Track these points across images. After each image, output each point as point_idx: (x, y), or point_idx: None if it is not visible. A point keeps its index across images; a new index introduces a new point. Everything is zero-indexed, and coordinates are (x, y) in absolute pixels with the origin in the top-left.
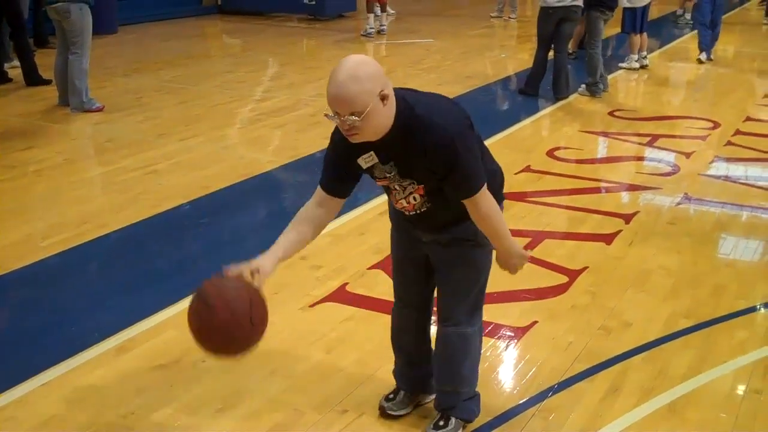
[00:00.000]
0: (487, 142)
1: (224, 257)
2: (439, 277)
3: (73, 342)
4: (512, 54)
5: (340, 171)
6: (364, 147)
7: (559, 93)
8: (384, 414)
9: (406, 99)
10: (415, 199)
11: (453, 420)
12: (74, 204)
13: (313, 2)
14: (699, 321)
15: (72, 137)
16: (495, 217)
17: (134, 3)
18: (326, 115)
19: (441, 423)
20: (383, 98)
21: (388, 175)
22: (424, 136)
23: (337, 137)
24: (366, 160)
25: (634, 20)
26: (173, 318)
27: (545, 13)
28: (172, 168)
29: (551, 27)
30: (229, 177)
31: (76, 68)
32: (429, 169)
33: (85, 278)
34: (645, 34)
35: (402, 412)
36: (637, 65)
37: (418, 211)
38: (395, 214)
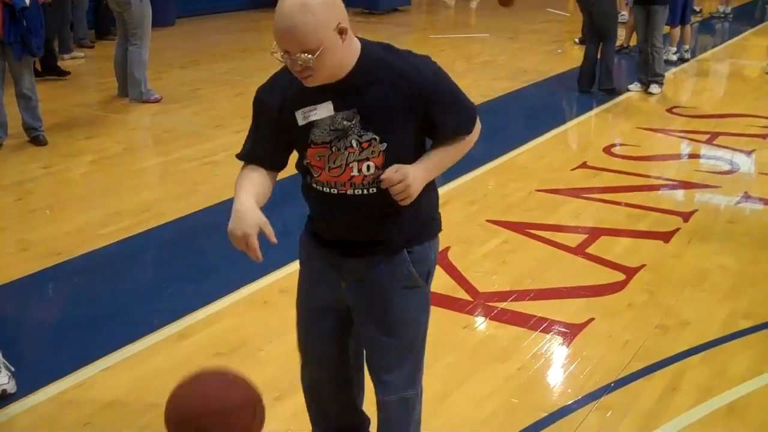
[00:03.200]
0: (542, 138)
1: (280, 248)
2: (368, 331)
3: (134, 328)
4: (568, 49)
5: (269, 135)
6: (316, 94)
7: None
8: None
9: (376, 42)
10: (368, 169)
11: None
12: (133, 193)
13: None
14: (759, 322)
15: (131, 127)
16: (468, 148)
17: None
18: (272, 53)
19: None
20: (341, 32)
21: (347, 125)
22: (403, 67)
23: (265, 88)
24: (308, 114)
25: (675, 11)
26: (231, 307)
27: None
28: (229, 159)
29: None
30: (287, 169)
31: (135, 59)
32: (410, 110)
33: (143, 266)
34: (688, 27)
35: None
36: (674, 57)
37: (362, 191)
38: (311, 247)
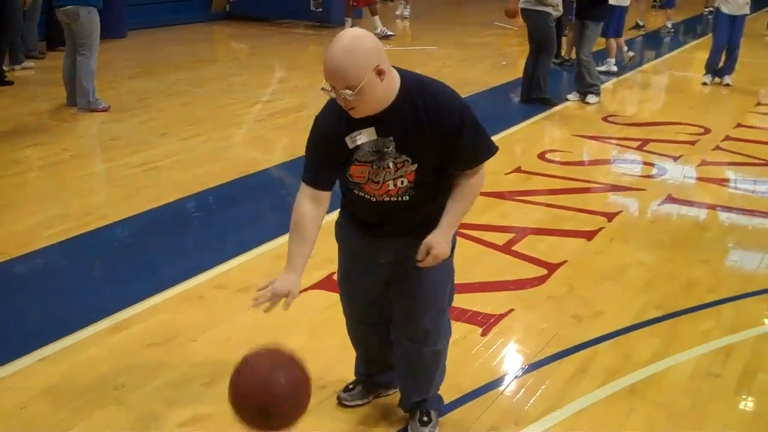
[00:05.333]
0: None
1: (216, 248)
2: (405, 291)
3: (71, 322)
4: (513, 61)
5: (323, 157)
6: (362, 122)
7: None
8: (340, 404)
9: (413, 74)
10: (402, 183)
11: (432, 412)
12: (78, 197)
13: (320, 9)
14: (668, 312)
15: (78, 135)
16: (478, 193)
17: (143, 9)
18: (323, 88)
19: (425, 419)
20: (379, 73)
21: (385, 150)
22: (435, 102)
23: (321, 118)
24: (355, 139)
25: (619, 22)
26: (166, 302)
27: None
28: (173, 165)
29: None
30: (228, 174)
31: (83, 69)
32: (434, 138)
33: (84, 265)
34: (621, 40)
35: (358, 403)
36: (615, 68)
37: (399, 198)
38: (353, 231)
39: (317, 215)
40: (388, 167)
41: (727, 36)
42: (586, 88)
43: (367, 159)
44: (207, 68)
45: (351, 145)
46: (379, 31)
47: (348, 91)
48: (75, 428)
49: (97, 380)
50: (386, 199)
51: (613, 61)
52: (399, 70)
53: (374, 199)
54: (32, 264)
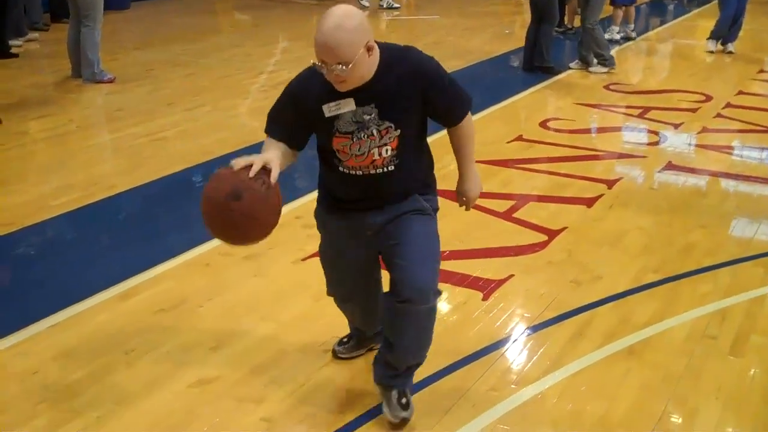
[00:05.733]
0: (482, 114)
1: None
2: (400, 252)
3: (81, 289)
4: (516, 30)
5: (295, 120)
6: (340, 93)
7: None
8: (335, 357)
9: (391, 44)
10: (387, 152)
11: (408, 393)
12: (84, 167)
13: None
14: (666, 276)
15: (84, 106)
16: (474, 136)
17: None
18: (314, 63)
19: (404, 401)
20: (369, 49)
21: (367, 118)
22: (411, 62)
23: (298, 84)
24: (332, 108)
25: None
26: (173, 270)
27: None
28: (178, 135)
29: None
30: (232, 144)
31: (88, 41)
32: (416, 97)
33: (92, 234)
34: (632, 8)
35: (353, 355)
36: (618, 36)
37: (384, 170)
38: (334, 213)
39: (282, 146)
40: (373, 135)
41: (735, 4)
42: (596, 57)
43: (348, 129)
44: (211, 39)
45: (327, 113)
46: (385, 4)
47: (340, 66)
48: (87, 392)
49: (108, 345)
50: (371, 171)
51: (617, 29)
52: (378, 43)
53: (360, 173)
54: (41, 233)
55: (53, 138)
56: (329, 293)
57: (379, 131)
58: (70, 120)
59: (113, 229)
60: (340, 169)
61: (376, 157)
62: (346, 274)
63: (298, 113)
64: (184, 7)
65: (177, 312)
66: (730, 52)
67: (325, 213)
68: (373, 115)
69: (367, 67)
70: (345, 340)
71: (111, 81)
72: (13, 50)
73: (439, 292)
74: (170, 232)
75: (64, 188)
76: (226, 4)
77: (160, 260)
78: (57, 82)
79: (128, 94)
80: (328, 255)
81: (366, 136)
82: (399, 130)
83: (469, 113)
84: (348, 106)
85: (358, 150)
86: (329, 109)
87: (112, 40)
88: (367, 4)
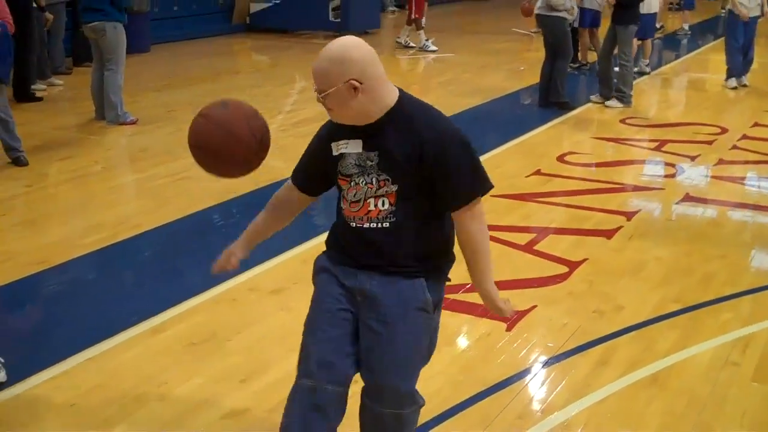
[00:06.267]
0: (500, 149)
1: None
2: (374, 345)
3: (113, 324)
4: (531, 66)
5: (311, 161)
6: (353, 133)
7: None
8: None
9: (417, 99)
10: (383, 204)
11: None
12: (110, 207)
13: (339, 20)
14: (687, 305)
15: (107, 147)
16: (487, 238)
17: (166, 23)
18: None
19: None
20: (352, 87)
21: (369, 164)
22: (427, 125)
23: (326, 123)
24: (341, 146)
25: (644, 27)
26: (202, 304)
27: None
28: (200, 174)
29: None
30: (254, 183)
31: (111, 83)
32: (420, 164)
33: (121, 271)
34: (648, 41)
35: None
36: (648, 69)
37: (378, 225)
38: (334, 257)
39: (288, 202)
40: (371, 183)
41: (742, 37)
42: (615, 92)
43: (349, 171)
44: (229, 80)
45: (335, 151)
46: (423, 45)
47: (318, 94)
48: (122, 424)
49: (141, 378)
50: (365, 224)
51: (646, 62)
52: (403, 92)
53: (354, 224)
54: (73, 271)
55: (78, 179)
56: (300, 370)
57: (378, 181)
58: (94, 161)
59: (141, 266)
60: (343, 215)
61: (372, 207)
62: (330, 335)
63: (317, 151)
64: (202, 48)
65: (207, 346)
66: (744, 85)
67: (325, 258)
68: (374, 162)
69: (353, 105)
70: None
71: (134, 123)
72: (37, 94)
73: (417, 401)
74: (196, 268)
75: (92, 228)
76: (243, 45)
77: (189, 296)
78: (81, 125)
79: (151, 135)
80: (315, 310)
81: (364, 182)
82: (396, 186)
83: (479, 203)
84: (355, 147)
85: (354, 196)
86: (337, 147)
87: (133, 83)
88: (434, 48)
